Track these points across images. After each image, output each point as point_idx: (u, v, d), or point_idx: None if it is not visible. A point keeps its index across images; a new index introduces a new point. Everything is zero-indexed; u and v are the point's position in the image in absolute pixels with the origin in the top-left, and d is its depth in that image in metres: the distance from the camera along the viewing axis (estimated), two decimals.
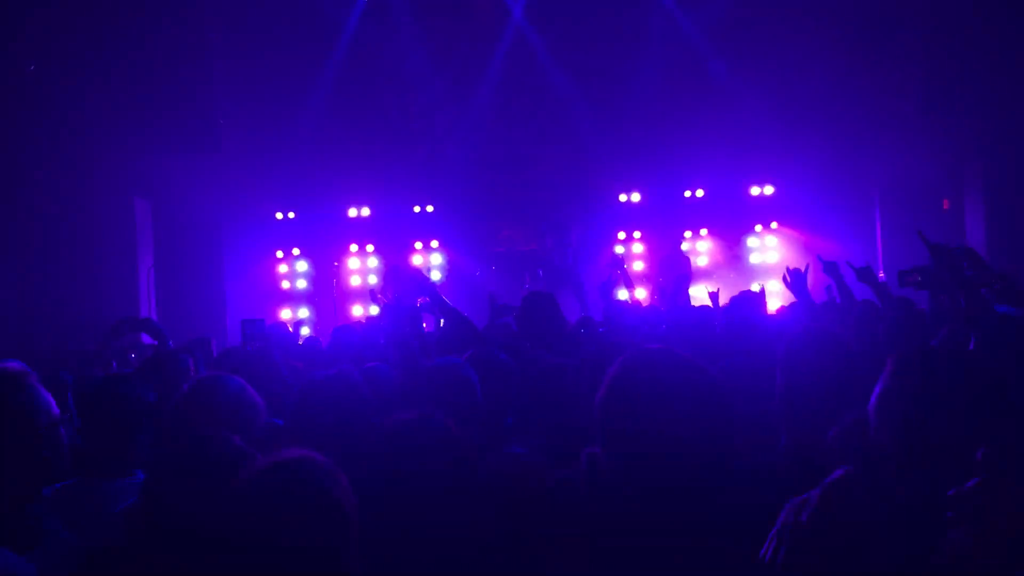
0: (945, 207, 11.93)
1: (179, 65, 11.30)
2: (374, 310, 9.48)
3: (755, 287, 8.62)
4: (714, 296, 6.90)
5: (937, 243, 4.34)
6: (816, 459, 2.12)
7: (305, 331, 13.02)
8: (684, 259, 11.28)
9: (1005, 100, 10.38)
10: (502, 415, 3.25)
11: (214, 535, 1.73)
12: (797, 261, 8.86)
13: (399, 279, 11.02)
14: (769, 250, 13.79)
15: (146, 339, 11.47)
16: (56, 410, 2.28)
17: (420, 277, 5.89)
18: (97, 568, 2.05)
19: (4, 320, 10.65)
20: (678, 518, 1.82)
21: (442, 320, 7.63)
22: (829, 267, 5.15)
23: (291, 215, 14.06)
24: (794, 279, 5.38)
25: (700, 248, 13.83)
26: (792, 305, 5.70)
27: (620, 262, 6.87)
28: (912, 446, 1.68)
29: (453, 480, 2.24)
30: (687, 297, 6.27)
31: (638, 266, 13.72)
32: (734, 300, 4.88)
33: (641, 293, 7.19)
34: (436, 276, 13.94)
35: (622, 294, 8.16)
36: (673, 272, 6.93)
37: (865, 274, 5.00)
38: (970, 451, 1.42)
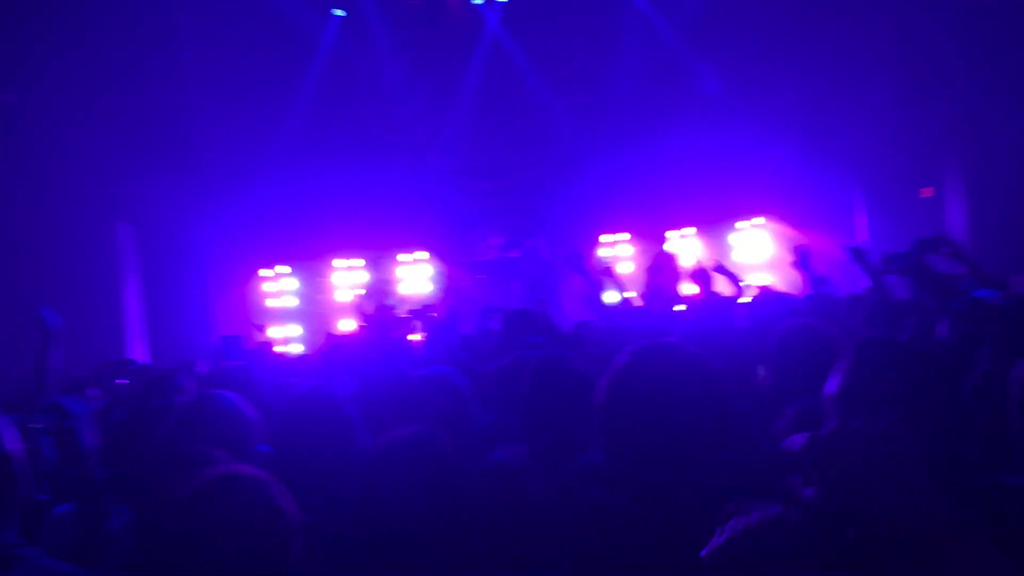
0: (924, 195, 11.98)
1: (154, 87, 11.28)
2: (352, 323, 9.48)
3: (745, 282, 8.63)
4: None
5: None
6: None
7: (296, 348, 13.00)
8: (670, 258, 11.31)
9: (981, 87, 10.43)
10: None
11: (155, 550, 1.74)
12: (783, 255, 8.89)
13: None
14: (755, 244, 13.83)
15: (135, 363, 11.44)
16: (16, 441, 2.25)
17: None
18: None
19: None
20: (677, 515, 1.81)
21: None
22: (856, 253, 5.10)
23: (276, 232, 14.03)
24: (801, 259, 5.53)
25: (685, 246, 13.85)
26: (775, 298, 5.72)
27: (604, 267, 6.86)
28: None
29: (443, 497, 2.24)
30: (672, 295, 6.29)
31: (627, 268, 13.72)
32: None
33: (630, 294, 7.18)
34: (427, 288, 13.93)
35: (611, 296, 8.13)
36: (661, 273, 6.96)
37: (858, 255, 5.01)
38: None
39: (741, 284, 6.50)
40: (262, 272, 14.17)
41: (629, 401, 1.91)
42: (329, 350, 5.76)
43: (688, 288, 10.71)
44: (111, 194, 11.63)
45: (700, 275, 5.88)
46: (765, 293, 6.18)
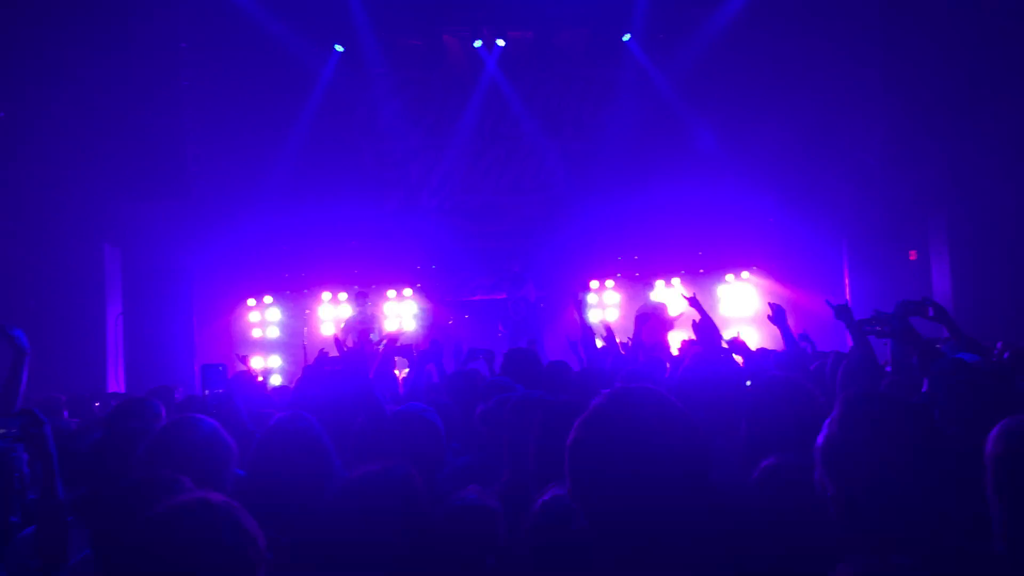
0: (912, 258, 12.08)
1: (149, 111, 11.30)
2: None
3: (731, 334, 8.66)
4: (738, 344, 6.67)
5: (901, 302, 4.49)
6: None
7: (276, 379, 12.91)
8: (659, 307, 11.34)
9: (968, 152, 10.57)
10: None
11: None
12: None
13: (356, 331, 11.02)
14: (742, 297, 13.88)
15: (111, 387, 11.34)
16: None
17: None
18: None
19: None
20: (649, 557, 1.79)
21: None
22: (840, 311, 5.08)
23: (264, 262, 14.01)
24: (776, 315, 5.53)
25: (671, 295, 13.89)
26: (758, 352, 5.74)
27: (578, 302, 6.88)
28: (853, 489, 1.66)
29: (410, 533, 2.22)
30: (658, 343, 6.29)
31: (612, 315, 13.75)
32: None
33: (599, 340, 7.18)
34: (411, 325, 13.91)
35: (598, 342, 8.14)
36: (648, 322, 6.95)
37: (842, 312, 5.02)
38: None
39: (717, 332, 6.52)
40: (248, 302, 14.13)
41: (599, 442, 1.89)
42: (307, 381, 5.71)
43: (672, 337, 10.72)
44: (99, 215, 11.60)
45: (696, 324, 5.88)
46: (735, 346, 6.20)
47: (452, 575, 2.27)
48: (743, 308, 13.75)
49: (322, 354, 7.19)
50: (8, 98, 10.54)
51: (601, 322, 8.30)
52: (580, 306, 6.72)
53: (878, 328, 4.53)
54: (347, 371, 5.07)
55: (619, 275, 14.18)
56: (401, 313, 14.11)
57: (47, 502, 2.81)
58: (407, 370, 8.15)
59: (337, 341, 8.21)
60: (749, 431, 2.50)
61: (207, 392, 5.90)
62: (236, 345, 13.87)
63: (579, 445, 1.92)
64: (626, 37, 13.68)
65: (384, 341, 6.48)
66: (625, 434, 1.86)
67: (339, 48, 13.64)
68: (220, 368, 6.58)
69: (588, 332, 6.98)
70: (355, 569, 2.10)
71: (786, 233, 13.19)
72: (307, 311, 14.06)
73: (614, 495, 1.82)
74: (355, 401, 4.04)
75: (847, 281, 12.84)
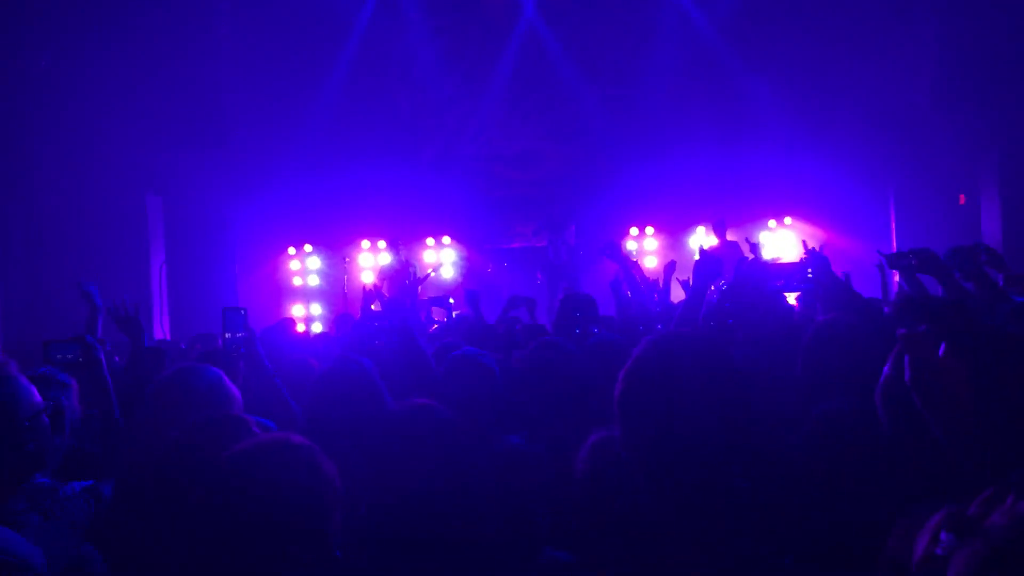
0: (961, 202, 11.80)
1: (189, 61, 11.32)
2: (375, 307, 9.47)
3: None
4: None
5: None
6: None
7: (317, 327, 13.04)
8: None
9: (1021, 92, 10.24)
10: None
11: (196, 512, 1.73)
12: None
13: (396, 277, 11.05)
14: (783, 245, 13.69)
15: (156, 334, 11.53)
16: (39, 400, 2.25)
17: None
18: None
19: (18, 317, 10.70)
20: (695, 502, 1.77)
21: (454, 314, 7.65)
22: (894, 259, 4.75)
23: (303, 211, 14.07)
24: (815, 262, 5.24)
25: (709, 243, 13.74)
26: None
27: (613, 246, 6.76)
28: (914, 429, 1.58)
29: (454, 470, 2.22)
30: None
31: (651, 262, 13.65)
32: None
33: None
34: (449, 273, 13.94)
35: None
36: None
37: (898, 260, 4.75)
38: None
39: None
40: (289, 251, 14.23)
41: (645, 390, 1.88)
42: (348, 328, 5.74)
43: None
44: (141, 165, 11.69)
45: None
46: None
47: (499, 516, 2.28)
48: (786, 255, 13.56)
49: (367, 303, 7.22)
50: (50, 49, 10.60)
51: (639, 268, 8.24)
52: (616, 249, 6.61)
53: (912, 261, 4.32)
54: (389, 320, 5.08)
55: (657, 222, 14.04)
56: (440, 261, 14.12)
57: (106, 423, 2.84)
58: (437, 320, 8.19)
59: (376, 290, 8.25)
60: (805, 374, 2.46)
61: (227, 335, 5.94)
62: (278, 293, 14.02)
63: (625, 394, 1.91)
64: None
65: (421, 275, 6.43)
66: (668, 382, 1.84)
67: None
68: (242, 311, 6.60)
69: (628, 273, 6.88)
70: (404, 507, 2.11)
71: (829, 179, 12.93)
72: (346, 260, 14.13)
73: (661, 444, 1.81)
74: (399, 350, 4.05)
75: (893, 227, 12.60)
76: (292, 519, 1.74)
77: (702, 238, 13.64)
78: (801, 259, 4.36)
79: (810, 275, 3.25)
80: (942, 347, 1.27)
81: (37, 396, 2.25)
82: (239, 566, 1.73)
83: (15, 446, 2.15)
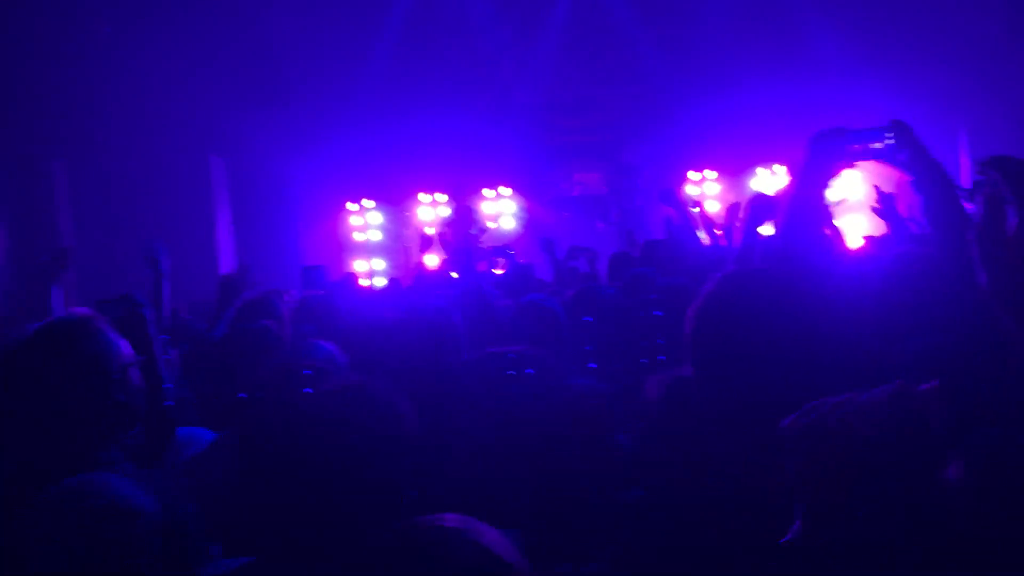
0: None
1: (246, 20, 11.40)
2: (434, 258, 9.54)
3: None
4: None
5: None
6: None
7: (380, 281, 13.19)
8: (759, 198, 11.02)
9: None
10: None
11: (290, 446, 1.79)
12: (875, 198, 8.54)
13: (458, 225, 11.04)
14: (850, 186, 13.37)
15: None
16: (130, 353, 2.33)
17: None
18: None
19: (94, 280, 11.02)
20: (770, 439, 1.77)
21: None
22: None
23: (362, 166, 14.15)
24: (884, 204, 5.11)
25: (772, 184, 13.48)
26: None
27: (689, 202, 6.73)
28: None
29: (531, 413, 2.26)
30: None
31: (712, 207, 13.46)
32: None
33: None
34: (510, 224, 13.94)
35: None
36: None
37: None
38: None
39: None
40: (348, 206, 14.35)
41: (718, 328, 1.87)
42: (417, 281, 5.80)
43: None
44: (203, 127, 11.87)
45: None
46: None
47: (570, 455, 2.31)
48: (850, 194, 13.25)
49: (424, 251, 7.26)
50: (111, 14, 10.76)
51: (700, 212, 8.14)
52: (672, 195, 6.55)
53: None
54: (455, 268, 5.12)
55: (719, 166, 13.82)
56: (499, 211, 14.12)
57: (151, 383, 2.90)
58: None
59: (441, 237, 8.29)
60: (879, 312, 2.41)
61: (307, 293, 6.08)
62: (341, 248, 14.18)
63: (698, 332, 1.90)
64: None
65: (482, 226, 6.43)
66: (742, 318, 1.83)
67: None
68: (321, 269, 6.74)
69: (682, 218, 6.81)
70: (479, 447, 2.16)
71: (896, 116, 12.51)
72: (407, 213, 14.20)
73: (736, 382, 1.81)
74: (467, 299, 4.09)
75: (967, 167, 12.20)
76: (369, 460, 1.79)
77: (764, 180, 13.41)
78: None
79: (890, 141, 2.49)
80: None
81: (127, 349, 2.33)
82: (318, 505, 1.78)
83: (106, 398, 2.23)
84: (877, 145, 2.39)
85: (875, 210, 5.43)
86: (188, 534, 2.12)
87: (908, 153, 2.19)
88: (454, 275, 4.99)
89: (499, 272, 8.52)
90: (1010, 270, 1.61)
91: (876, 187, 5.62)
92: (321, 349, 2.88)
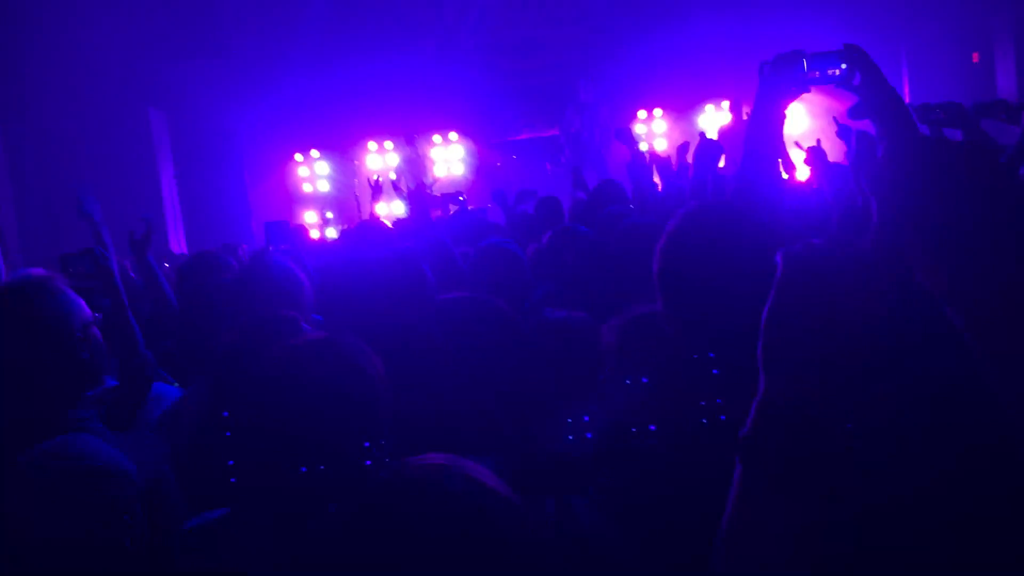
0: (975, 60, 11.54)
1: None
2: (397, 204, 9.48)
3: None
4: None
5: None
6: None
7: (331, 232, 13.07)
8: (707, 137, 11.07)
9: None
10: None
11: (258, 401, 1.78)
12: (825, 126, 8.66)
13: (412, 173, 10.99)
14: (794, 117, 13.50)
15: (173, 248, 11.60)
16: (88, 312, 2.31)
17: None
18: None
19: (36, 236, 10.76)
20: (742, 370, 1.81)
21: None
22: (921, 112, 4.35)
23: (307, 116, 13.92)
24: (843, 129, 5.10)
25: (719, 120, 13.55)
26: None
27: (622, 131, 6.71)
28: None
29: (503, 342, 2.28)
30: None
31: (660, 144, 13.51)
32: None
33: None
34: (459, 169, 13.86)
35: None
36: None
37: (925, 113, 4.49)
38: None
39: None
40: (296, 157, 14.14)
41: (684, 263, 1.90)
42: (371, 230, 5.76)
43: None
44: (142, 80, 11.55)
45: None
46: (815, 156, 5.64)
47: (550, 382, 2.33)
48: (793, 127, 13.38)
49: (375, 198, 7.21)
50: None
51: (649, 151, 8.19)
52: (627, 133, 6.55)
53: (940, 115, 4.22)
54: (413, 215, 5.10)
55: (664, 104, 13.83)
56: (448, 157, 14.02)
57: (124, 335, 2.87)
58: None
59: (395, 185, 8.24)
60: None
61: (271, 248, 6.01)
62: (289, 200, 14.00)
63: (664, 268, 1.93)
64: None
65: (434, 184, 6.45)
66: (708, 252, 1.86)
67: None
68: (283, 224, 6.67)
69: (638, 157, 6.84)
70: (456, 386, 2.17)
71: (838, 40, 12.57)
72: (355, 162, 14.03)
73: (705, 314, 1.84)
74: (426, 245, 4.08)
75: (907, 88, 12.37)
76: (338, 416, 1.79)
77: (711, 116, 13.46)
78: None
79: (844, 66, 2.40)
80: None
81: (86, 308, 2.30)
82: (287, 463, 1.78)
83: (70, 356, 2.21)
84: (833, 71, 2.40)
85: (837, 134, 5.43)
86: (164, 491, 2.12)
87: (862, 77, 2.20)
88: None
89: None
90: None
91: (835, 118, 5.64)
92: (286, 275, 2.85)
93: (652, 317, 2.09)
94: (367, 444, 1.81)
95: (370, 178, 7.84)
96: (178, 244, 12.05)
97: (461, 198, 8.93)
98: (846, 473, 1.20)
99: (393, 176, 11.28)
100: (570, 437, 2.10)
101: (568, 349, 2.34)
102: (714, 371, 1.77)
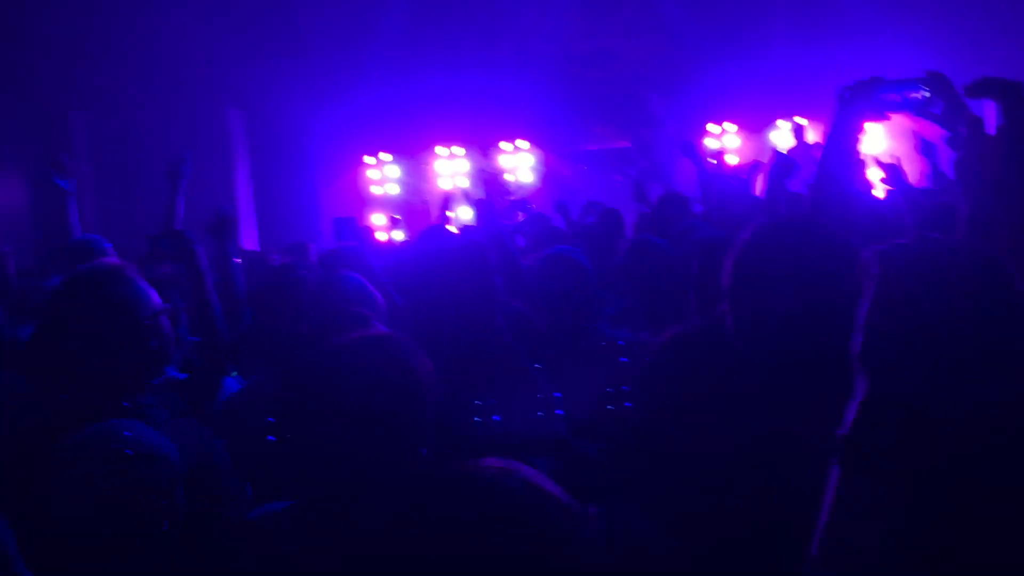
0: None
1: None
2: (466, 211, 9.52)
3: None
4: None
5: None
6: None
7: (398, 235, 13.19)
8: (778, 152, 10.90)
9: None
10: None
11: (305, 395, 1.81)
12: (906, 147, 8.45)
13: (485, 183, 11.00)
14: (872, 136, 13.21)
15: (245, 245, 11.82)
16: (159, 301, 2.35)
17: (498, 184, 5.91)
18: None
19: (115, 232, 11.05)
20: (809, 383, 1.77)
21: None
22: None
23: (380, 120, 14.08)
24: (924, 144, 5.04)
25: (792, 138, 13.30)
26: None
27: (690, 145, 6.66)
28: None
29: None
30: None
31: (731, 160, 13.34)
32: None
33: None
34: (528, 177, 13.87)
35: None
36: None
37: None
38: None
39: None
40: (366, 159, 14.31)
41: (755, 277, 1.87)
42: (440, 233, 5.79)
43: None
44: (221, 79, 11.81)
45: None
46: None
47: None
48: (872, 147, 13.10)
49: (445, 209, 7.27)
50: None
51: (718, 165, 8.09)
52: (693, 149, 6.50)
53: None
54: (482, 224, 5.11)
55: (739, 119, 13.66)
56: (518, 165, 14.04)
57: (205, 322, 2.91)
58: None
59: (468, 196, 8.29)
60: None
61: (340, 244, 6.08)
62: (359, 202, 14.17)
63: (736, 282, 1.90)
64: None
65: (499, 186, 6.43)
66: (782, 267, 1.83)
67: None
68: (352, 221, 6.74)
69: (706, 171, 6.79)
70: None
71: (917, 69, 12.29)
72: (424, 167, 14.13)
73: (774, 329, 1.81)
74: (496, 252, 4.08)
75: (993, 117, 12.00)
76: (383, 411, 1.80)
77: (785, 133, 13.24)
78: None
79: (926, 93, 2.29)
80: None
81: (156, 298, 2.35)
82: (344, 452, 1.79)
83: (138, 344, 2.26)
84: (914, 96, 2.34)
85: (917, 149, 5.32)
86: (218, 478, 2.15)
87: (944, 106, 2.14)
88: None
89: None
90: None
91: (916, 134, 5.51)
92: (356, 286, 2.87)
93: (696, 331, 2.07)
94: (412, 442, 1.82)
95: (442, 187, 7.95)
96: (251, 241, 12.28)
97: (530, 206, 8.94)
98: (954, 468, 1.18)
99: (467, 185, 11.33)
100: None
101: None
102: (778, 379, 1.74)
